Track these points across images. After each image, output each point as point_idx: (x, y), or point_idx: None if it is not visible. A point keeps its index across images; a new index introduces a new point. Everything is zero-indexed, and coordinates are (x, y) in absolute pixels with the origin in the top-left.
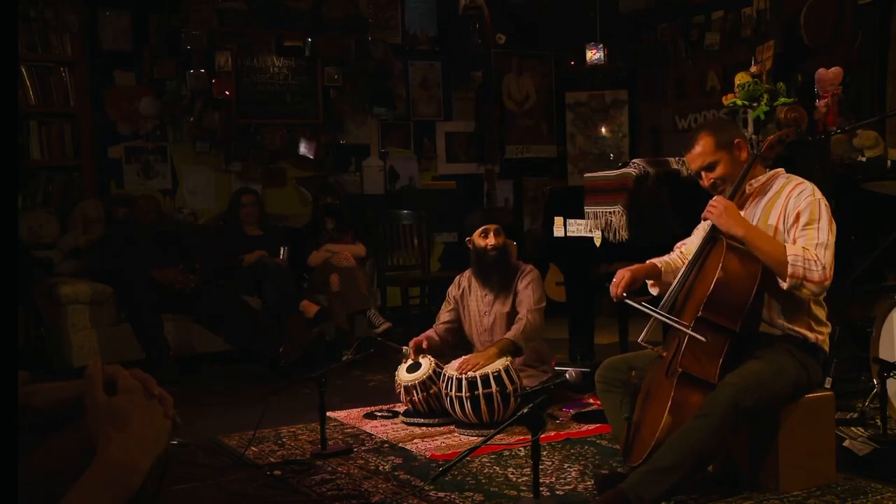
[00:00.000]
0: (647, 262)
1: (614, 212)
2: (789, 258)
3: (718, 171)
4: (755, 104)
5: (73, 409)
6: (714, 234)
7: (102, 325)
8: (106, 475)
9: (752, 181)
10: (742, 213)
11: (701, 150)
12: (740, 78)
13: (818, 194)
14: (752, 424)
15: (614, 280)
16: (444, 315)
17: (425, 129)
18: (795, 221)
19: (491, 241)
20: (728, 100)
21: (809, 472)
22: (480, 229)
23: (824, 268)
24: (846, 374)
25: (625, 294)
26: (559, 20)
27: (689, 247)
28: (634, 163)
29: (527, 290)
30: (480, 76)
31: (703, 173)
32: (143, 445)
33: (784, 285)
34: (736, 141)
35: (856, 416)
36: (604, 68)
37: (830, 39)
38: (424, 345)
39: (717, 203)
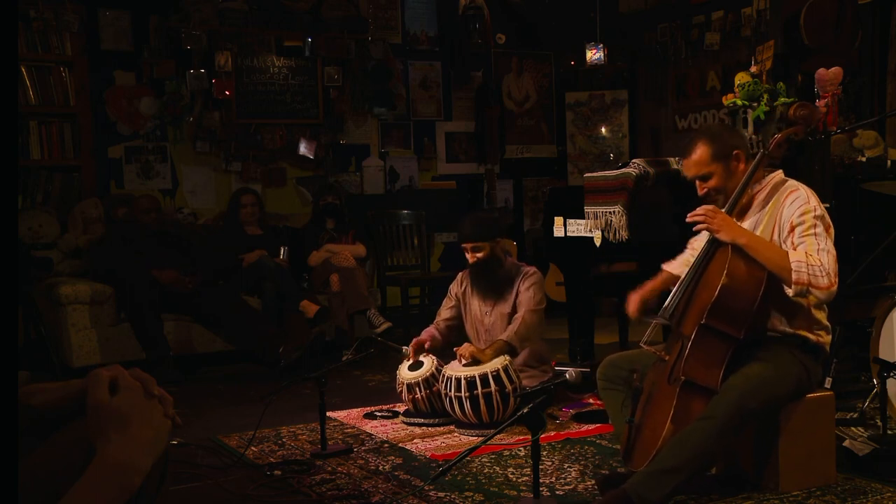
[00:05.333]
0: (661, 272)
1: (614, 212)
2: (792, 264)
3: (712, 182)
4: (755, 104)
5: (73, 409)
6: (717, 238)
7: (102, 325)
8: (105, 475)
9: (754, 185)
10: (744, 221)
11: (697, 158)
12: (740, 78)
13: (813, 201)
14: (754, 424)
15: (628, 307)
16: (445, 312)
17: (425, 129)
18: (791, 232)
19: (470, 258)
20: (728, 100)
21: (809, 472)
22: (462, 245)
23: (829, 274)
24: (846, 374)
25: (641, 314)
26: (559, 20)
27: (700, 242)
28: (634, 163)
29: (528, 293)
30: (480, 76)
31: (697, 182)
32: (142, 445)
33: (790, 292)
34: (735, 152)
35: (856, 416)
36: (604, 68)
37: (830, 39)
38: (427, 345)
39: (712, 214)
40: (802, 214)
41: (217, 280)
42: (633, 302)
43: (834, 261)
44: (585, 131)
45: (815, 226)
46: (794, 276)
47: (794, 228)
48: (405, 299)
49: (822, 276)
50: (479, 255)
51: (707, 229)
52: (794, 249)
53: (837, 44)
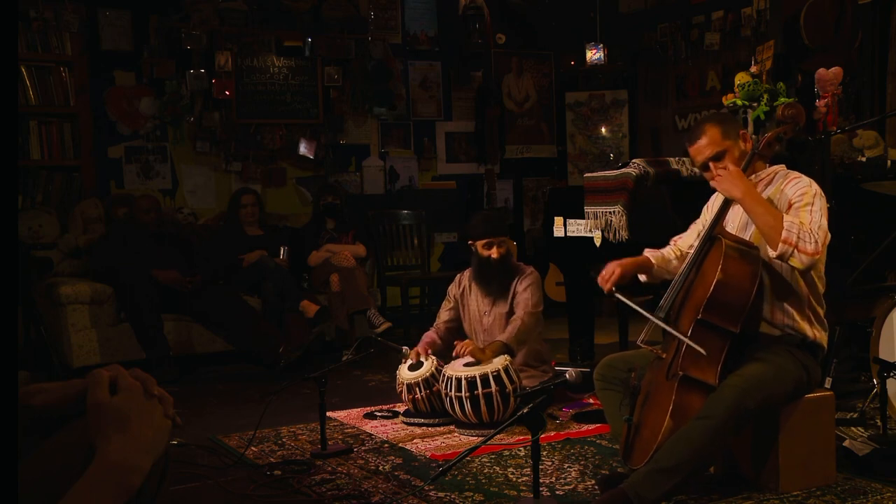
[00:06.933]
0: (642, 255)
1: (614, 212)
2: (785, 223)
3: (727, 160)
4: (755, 104)
5: (73, 409)
6: (712, 235)
7: (102, 325)
8: (105, 475)
9: (752, 177)
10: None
11: (708, 140)
12: (740, 78)
13: (815, 186)
14: (753, 424)
15: (603, 273)
16: (445, 314)
17: (425, 129)
18: (788, 207)
19: (495, 253)
20: (728, 100)
21: (809, 472)
22: (486, 241)
23: (817, 242)
24: (846, 374)
25: (614, 289)
26: (559, 20)
27: (684, 240)
28: (634, 163)
29: (525, 293)
30: (480, 76)
31: (711, 164)
32: (142, 445)
33: (773, 253)
34: (741, 132)
35: (856, 416)
36: (604, 68)
37: (830, 39)
38: (428, 353)
39: (722, 170)
40: (802, 194)
41: (217, 280)
42: (614, 276)
43: (825, 234)
44: (585, 131)
45: (811, 203)
46: (783, 234)
47: (792, 204)
48: (405, 299)
49: (810, 242)
50: (503, 249)
51: (716, 183)
52: None
53: (837, 44)
